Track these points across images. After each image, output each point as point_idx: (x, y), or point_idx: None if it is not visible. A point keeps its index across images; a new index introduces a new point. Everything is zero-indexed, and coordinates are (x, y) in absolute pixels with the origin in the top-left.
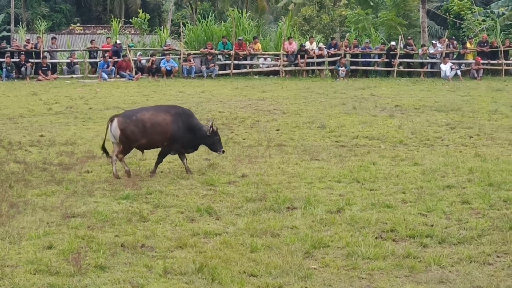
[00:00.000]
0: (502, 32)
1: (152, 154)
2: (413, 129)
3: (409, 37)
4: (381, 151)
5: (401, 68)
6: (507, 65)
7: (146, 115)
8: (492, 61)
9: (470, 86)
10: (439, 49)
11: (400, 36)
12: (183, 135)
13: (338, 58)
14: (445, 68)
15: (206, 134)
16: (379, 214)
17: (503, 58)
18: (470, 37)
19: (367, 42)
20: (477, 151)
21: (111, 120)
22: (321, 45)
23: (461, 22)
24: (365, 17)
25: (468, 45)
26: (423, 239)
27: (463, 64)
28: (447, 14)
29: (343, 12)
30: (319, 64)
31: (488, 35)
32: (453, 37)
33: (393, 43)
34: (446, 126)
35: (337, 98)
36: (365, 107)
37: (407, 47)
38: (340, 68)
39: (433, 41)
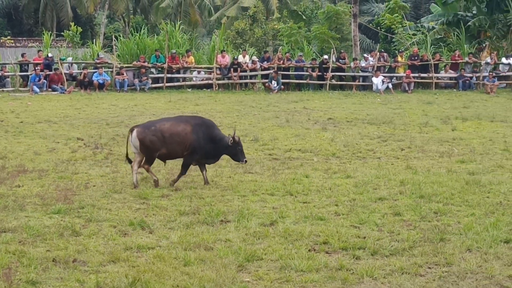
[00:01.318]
0: (432, 46)
1: (84, 168)
2: (346, 142)
3: (341, 51)
4: (314, 164)
5: (334, 82)
6: (437, 78)
7: (166, 125)
8: (422, 75)
9: (401, 99)
10: (371, 63)
11: (332, 50)
12: (203, 145)
13: (271, 71)
14: (377, 81)
15: (228, 144)
16: (312, 227)
17: (433, 71)
18: (401, 50)
19: (300, 55)
20: (409, 163)
21: (131, 130)
22: (254, 58)
23: (392, 36)
24: (297, 31)
25: (399, 58)
26: (355, 251)
27: (394, 78)
28: (379, 28)
29: (276, 26)
30: (252, 77)
31: (418, 49)
32: (383, 51)
33: (325, 56)
34: (378, 138)
35: (270, 111)
36: (298, 120)
37: (340, 60)
38: (273, 81)
39: (365, 55)
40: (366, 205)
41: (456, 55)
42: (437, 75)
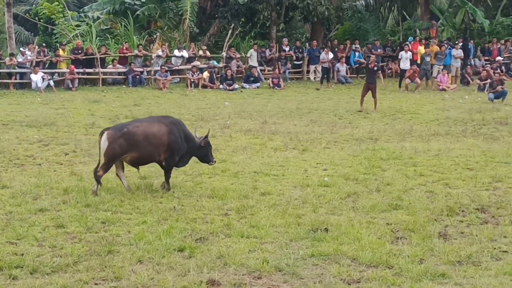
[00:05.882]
0: (98, 38)
1: None
2: (1, 148)
3: None
4: None
5: None
6: (105, 74)
7: (140, 127)
8: (88, 70)
9: (64, 98)
10: (29, 58)
11: None
12: (181, 146)
13: None
14: (36, 78)
15: (199, 145)
16: None
17: (99, 66)
18: (63, 43)
19: None
20: (73, 169)
21: (101, 133)
22: None
23: (53, 27)
24: None
25: (61, 52)
26: (12, 270)
27: (56, 74)
28: (37, 18)
29: None
30: None
31: (83, 41)
32: (43, 44)
33: None
34: (39, 143)
35: None
36: None
37: None
38: None
39: (22, 49)
40: (25, 218)
41: (125, 48)
42: (104, 70)
